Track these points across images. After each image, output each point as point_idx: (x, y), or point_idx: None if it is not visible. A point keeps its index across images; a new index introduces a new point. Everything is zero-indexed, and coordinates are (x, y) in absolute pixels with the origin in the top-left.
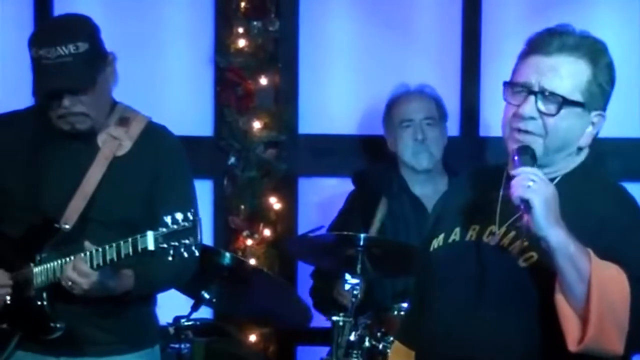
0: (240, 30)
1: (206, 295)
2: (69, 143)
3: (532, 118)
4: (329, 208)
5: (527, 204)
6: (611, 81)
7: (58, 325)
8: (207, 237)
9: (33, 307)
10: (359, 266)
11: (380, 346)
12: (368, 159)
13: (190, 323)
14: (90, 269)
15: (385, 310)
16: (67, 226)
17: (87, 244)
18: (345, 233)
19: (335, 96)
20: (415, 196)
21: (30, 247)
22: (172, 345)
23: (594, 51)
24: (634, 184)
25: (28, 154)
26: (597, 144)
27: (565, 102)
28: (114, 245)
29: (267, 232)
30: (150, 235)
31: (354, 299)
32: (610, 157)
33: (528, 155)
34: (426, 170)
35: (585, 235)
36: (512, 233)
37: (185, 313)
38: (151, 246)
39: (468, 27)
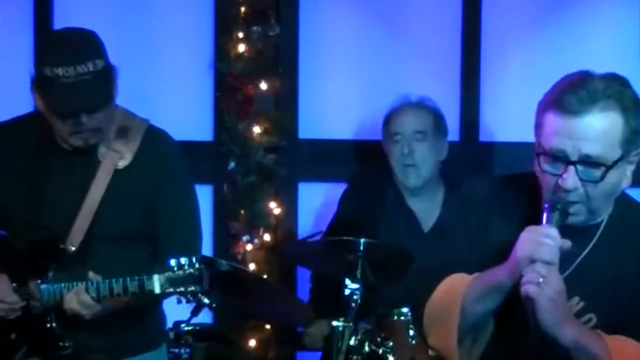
0: (240, 35)
1: (206, 300)
2: (69, 156)
3: (576, 188)
4: (329, 213)
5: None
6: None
7: (67, 344)
8: (206, 242)
9: (41, 326)
10: (358, 271)
11: (380, 351)
12: (368, 164)
13: (190, 328)
14: (96, 298)
15: (385, 316)
16: (72, 248)
17: (91, 274)
18: (345, 238)
19: (335, 101)
20: (410, 210)
21: (36, 265)
22: (172, 350)
23: (618, 92)
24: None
25: (28, 167)
26: None
27: (608, 167)
28: (120, 280)
29: (267, 237)
30: (156, 278)
31: (353, 304)
32: None
33: (557, 212)
34: (416, 189)
35: (627, 281)
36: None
37: (185, 318)
38: (157, 290)
39: (468, 32)
